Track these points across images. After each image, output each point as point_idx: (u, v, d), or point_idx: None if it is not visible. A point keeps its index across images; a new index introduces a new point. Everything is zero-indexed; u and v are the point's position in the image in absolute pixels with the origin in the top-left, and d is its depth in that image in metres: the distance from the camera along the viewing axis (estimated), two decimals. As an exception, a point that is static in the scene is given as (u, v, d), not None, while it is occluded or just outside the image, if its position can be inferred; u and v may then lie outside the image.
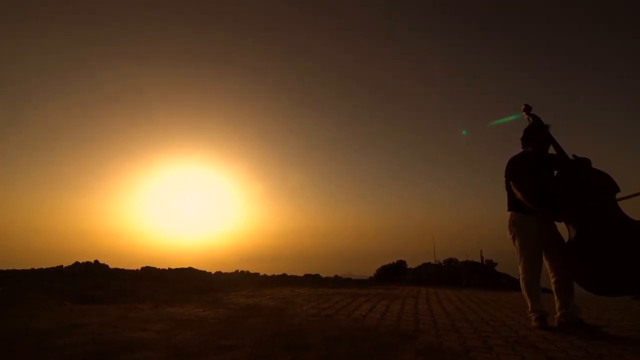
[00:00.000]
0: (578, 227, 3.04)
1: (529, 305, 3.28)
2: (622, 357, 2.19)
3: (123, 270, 7.82)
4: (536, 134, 3.35)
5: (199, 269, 11.00)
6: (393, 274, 16.00)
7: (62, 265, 7.49)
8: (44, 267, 7.16)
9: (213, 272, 11.43)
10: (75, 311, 3.25)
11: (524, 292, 3.29)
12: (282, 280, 9.81)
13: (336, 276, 11.88)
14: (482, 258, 16.14)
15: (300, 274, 12.41)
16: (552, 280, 3.23)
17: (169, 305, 3.82)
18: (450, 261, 16.60)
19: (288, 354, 2.07)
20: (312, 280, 9.48)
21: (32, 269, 7.06)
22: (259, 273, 12.29)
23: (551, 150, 3.38)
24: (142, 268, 8.09)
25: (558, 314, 3.22)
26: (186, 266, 10.80)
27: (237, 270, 12.67)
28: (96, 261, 8.34)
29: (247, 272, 12.52)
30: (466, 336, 2.70)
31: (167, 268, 8.71)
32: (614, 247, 2.89)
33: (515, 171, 3.31)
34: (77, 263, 8.00)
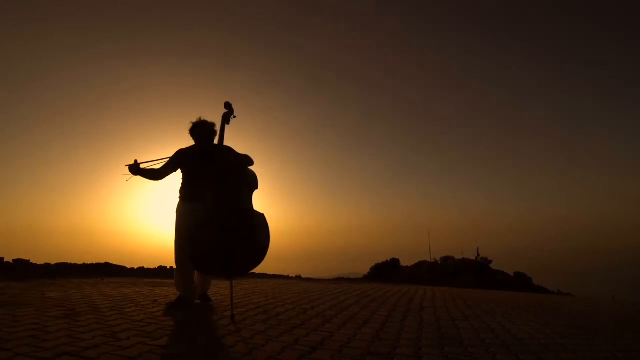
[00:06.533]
0: (205, 210, 3.23)
1: (175, 284, 3.60)
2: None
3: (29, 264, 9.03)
4: (192, 131, 3.53)
5: (117, 264, 11.86)
6: (388, 272, 16.22)
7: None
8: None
9: (136, 268, 12.40)
10: None
11: (175, 273, 3.49)
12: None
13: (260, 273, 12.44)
14: (477, 255, 16.44)
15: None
16: None
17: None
18: (446, 259, 16.99)
19: None
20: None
21: None
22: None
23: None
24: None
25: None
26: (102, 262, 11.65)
27: (160, 266, 13.97)
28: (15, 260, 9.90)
29: (171, 267, 13.75)
30: (101, 315, 2.96)
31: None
32: (221, 232, 3.10)
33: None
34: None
